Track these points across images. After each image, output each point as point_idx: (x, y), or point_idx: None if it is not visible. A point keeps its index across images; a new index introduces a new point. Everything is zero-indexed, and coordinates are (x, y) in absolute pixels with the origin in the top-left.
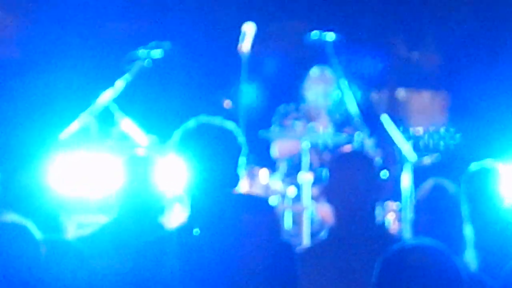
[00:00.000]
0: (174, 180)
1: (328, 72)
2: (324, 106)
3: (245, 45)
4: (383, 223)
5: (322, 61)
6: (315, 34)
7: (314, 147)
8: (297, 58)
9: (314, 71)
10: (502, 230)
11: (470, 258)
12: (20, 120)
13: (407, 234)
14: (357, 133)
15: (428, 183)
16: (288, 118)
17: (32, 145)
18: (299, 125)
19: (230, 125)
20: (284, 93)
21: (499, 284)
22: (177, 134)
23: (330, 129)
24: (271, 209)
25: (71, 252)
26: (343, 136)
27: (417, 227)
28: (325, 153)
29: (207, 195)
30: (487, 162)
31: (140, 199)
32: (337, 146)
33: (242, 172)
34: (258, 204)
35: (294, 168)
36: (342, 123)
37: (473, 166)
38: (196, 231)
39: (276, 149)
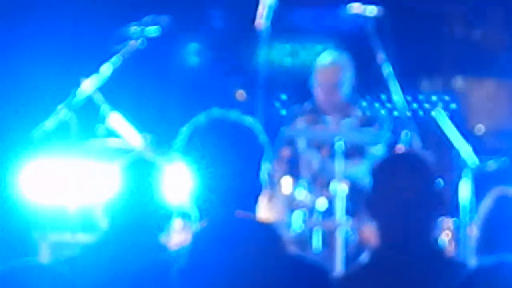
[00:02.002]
0: (178, 190)
1: (341, 60)
2: (334, 103)
3: (265, 20)
4: (439, 244)
5: (359, 42)
6: (352, 7)
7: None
8: (330, 38)
9: (323, 58)
10: None
11: None
12: None
13: (466, 258)
14: (404, 132)
15: (493, 194)
16: (304, 119)
17: None
18: (331, 121)
19: (249, 121)
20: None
21: None
22: (184, 133)
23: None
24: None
25: (48, 279)
26: (387, 135)
27: (480, 248)
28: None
29: (223, 209)
30: None
31: (137, 213)
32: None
33: (265, 179)
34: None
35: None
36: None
37: None
38: None
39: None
